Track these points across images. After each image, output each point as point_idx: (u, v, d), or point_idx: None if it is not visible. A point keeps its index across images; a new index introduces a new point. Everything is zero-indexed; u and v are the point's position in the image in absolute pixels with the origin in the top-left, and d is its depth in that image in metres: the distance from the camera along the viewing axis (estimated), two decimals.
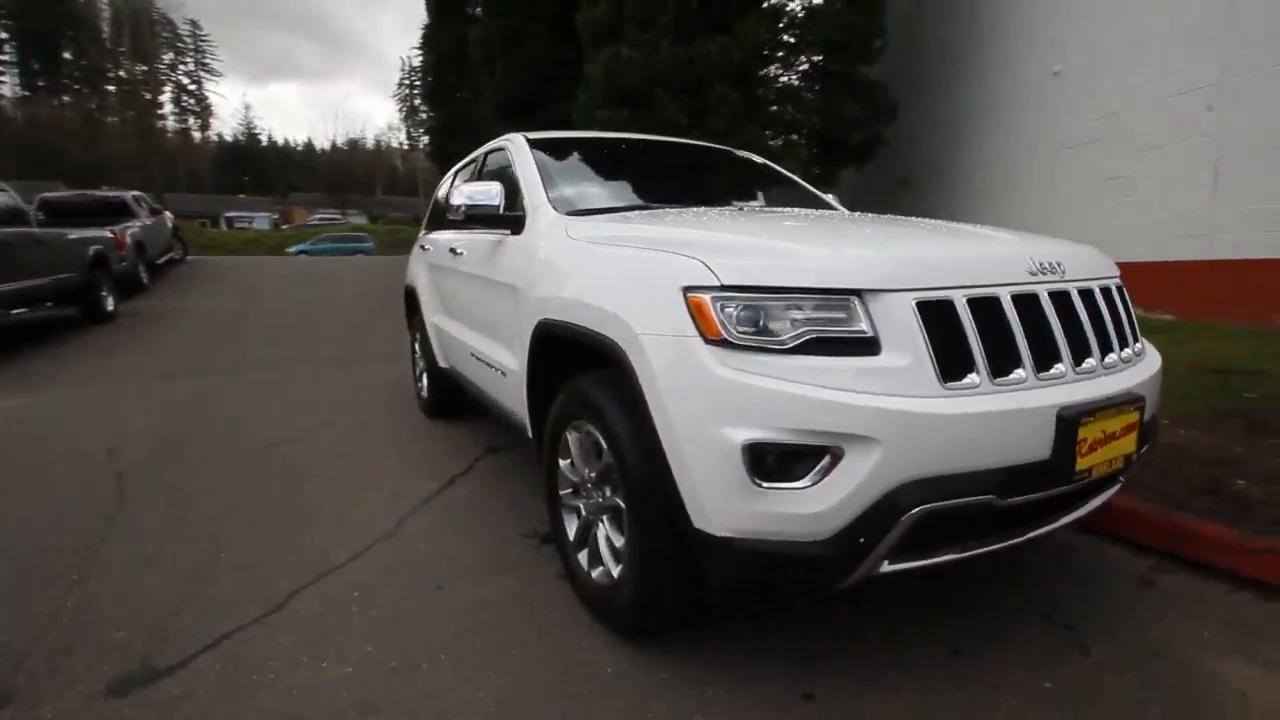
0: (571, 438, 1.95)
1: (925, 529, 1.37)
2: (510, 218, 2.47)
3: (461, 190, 2.50)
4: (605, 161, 2.91)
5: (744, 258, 1.46)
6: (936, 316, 1.41)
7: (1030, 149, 7.06)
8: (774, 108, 7.36)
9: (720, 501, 1.40)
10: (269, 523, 2.65)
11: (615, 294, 1.63)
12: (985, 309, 1.45)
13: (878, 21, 7.35)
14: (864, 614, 1.90)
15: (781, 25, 7.09)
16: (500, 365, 2.55)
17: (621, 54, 7.08)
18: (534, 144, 2.79)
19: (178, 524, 2.67)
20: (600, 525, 1.88)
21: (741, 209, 2.41)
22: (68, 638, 1.90)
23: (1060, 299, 1.57)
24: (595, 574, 1.89)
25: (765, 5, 7.46)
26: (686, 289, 1.46)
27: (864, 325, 1.39)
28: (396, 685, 1.66)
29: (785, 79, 7.22)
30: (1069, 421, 1.42)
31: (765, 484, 1.36)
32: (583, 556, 1.99)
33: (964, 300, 1.44)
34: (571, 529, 2.05)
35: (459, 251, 3.07)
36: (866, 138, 7.97)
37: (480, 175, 3.27)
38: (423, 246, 4.04)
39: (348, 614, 1.99)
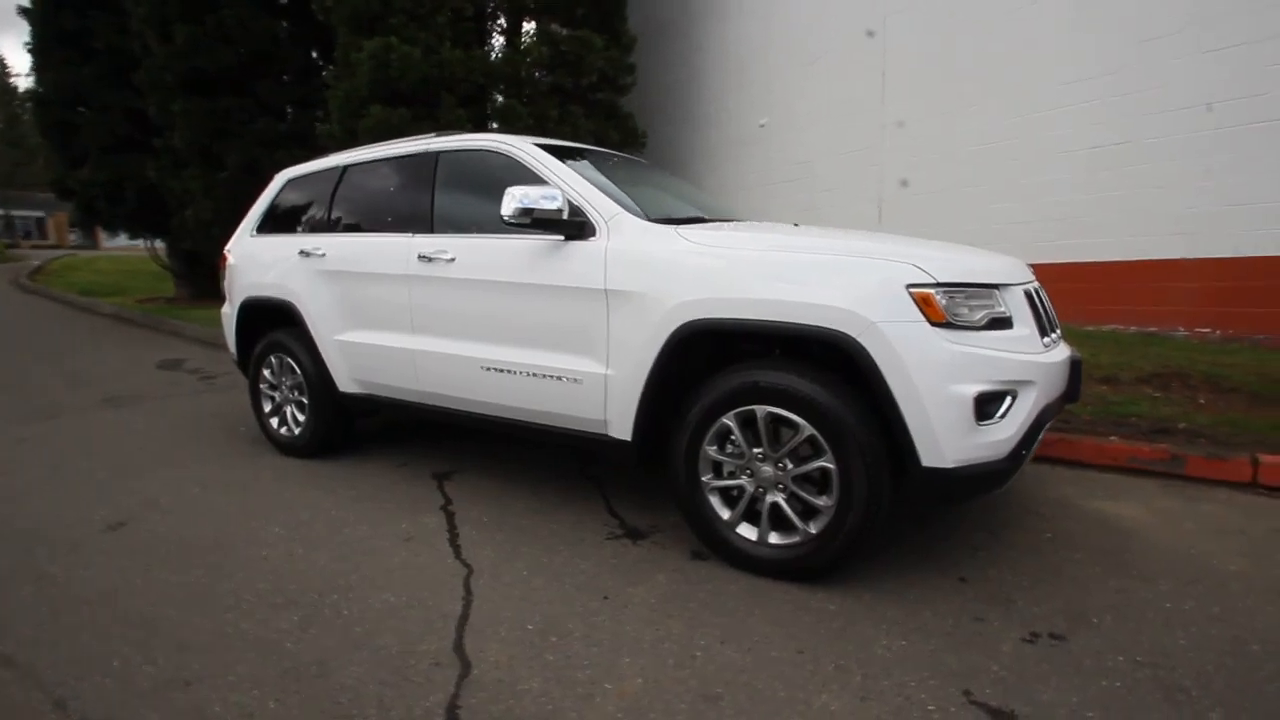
0: (732, 422, 2.17)
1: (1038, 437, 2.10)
2: (571, 223, 2.47)
3: (513, 194, 2.40)
4: (607, 171, 2.99)
5: (936, 264, 1.97)
6: (1029, 301, 2.15)
7: (746, 186, 8.89)
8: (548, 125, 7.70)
9: (953, 440, 1.89)
10: (293, 603, 2.11)
11: (835, 292, 1.95)
12: (1034, 295, 2.25)
13: (628, 59, 8.31)
14: (947, 528, 2.59)
15: (550, 51, 7.45)
16: (564, 373, 2.51)
17: (397, 48, 6.58)
18: (545, 149, 2.76)
19: (169, 639, 1.94)
20: (775, 494, 2.16)
21: (796, 225, 2.84)
22: None
23: (1039, 290, 2.48)
24: (773, 538, 2.17)
25: (528, 32, 7.77)
26: (909, 285, 1.91)
27: (1004, 308, 2.04)
28: (702, 674, 1.70)
29: (560, 104, 7.61)
30: (1076, 364, 2.31)
31: (981, 423, 1.91)
32: (744, 529, 2.23)
33: (1032, 289, 2.21)
34: (724, 509, 2.26)
35: (445, 257, 2.80)
36: None
37: (436, 176, 3.00)
38: (304, 252, 3.37)
39: (550, 645, 1.85)
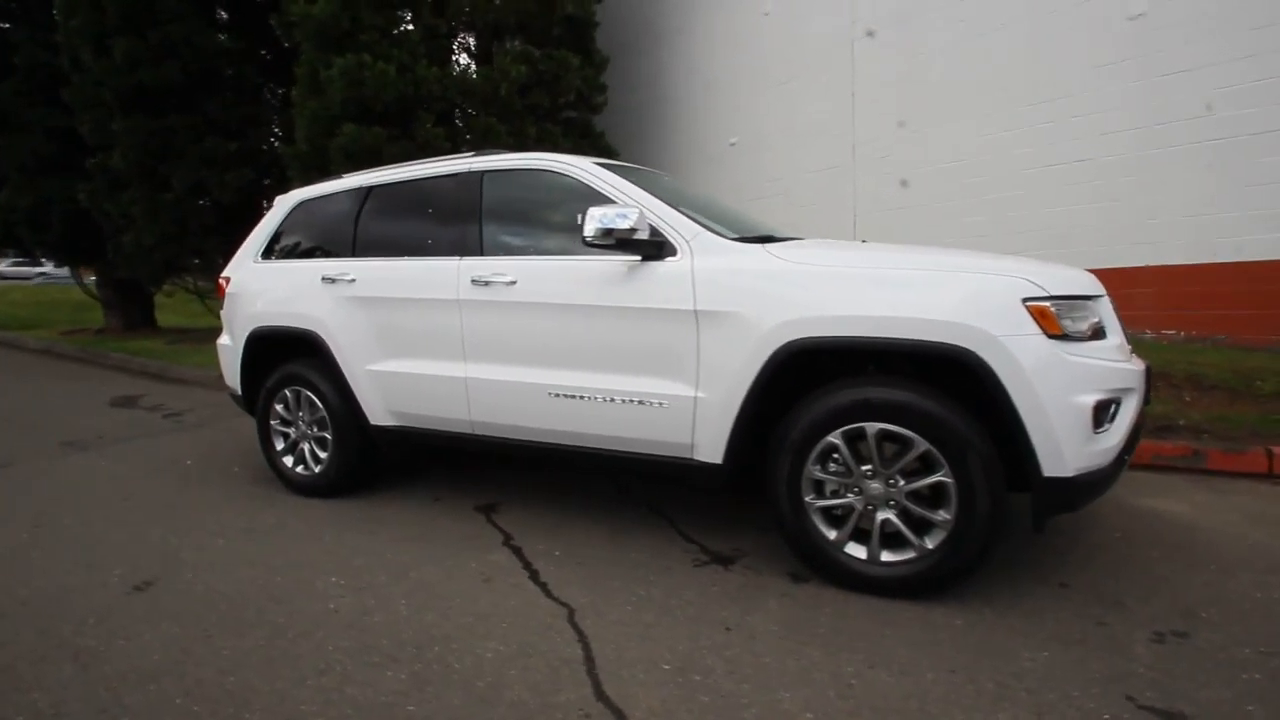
0: (839, 440, 2.15)
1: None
2: (650, 244, 2.41)
3: (594, 215, 2.33)
4: (662, 189, 2.92)
5: (1045, 277, 2.02)
6: (1113, 312, 2.24)
7: None
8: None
9: (1075, 449, 1.93)
10: (393, 660, 1.94)
11: (954, 308, 1.96)
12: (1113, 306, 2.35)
13: (600, 78, 8.32)
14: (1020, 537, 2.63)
15: (529, 70, 7.35)
16: (647, 396, 2.43)
17: (371, 65, 6.34)
18: (606, 168, 2.70)
19: (269, 713, 1.73)
20: (885, 510, 2.14)
21: (864, 241, 2.86)
22: None
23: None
24: (885, 556, 2.15)
25: (509, 48, 7.66)
26: (1025, 299, 1.95)
27: (1098, 319, 2.12)
28: (870, 704, 1.65)
29: (536, 122, 7.51)
30: (1149, 372, 2.42)
31: (1097, 431, 1.97)
32: (852, 548, 2.20)
33: (1110, 301, 2.31)
34: (829, 530, 2.23)
35: (504, 280, 2.67)
36: None
37: (483, 196, 2.88)
38: (327, 278, 3.16)
39: (698, 684, 1.76)
